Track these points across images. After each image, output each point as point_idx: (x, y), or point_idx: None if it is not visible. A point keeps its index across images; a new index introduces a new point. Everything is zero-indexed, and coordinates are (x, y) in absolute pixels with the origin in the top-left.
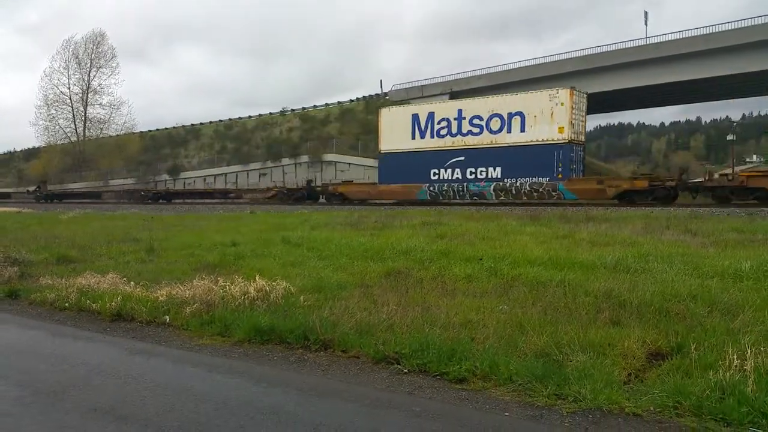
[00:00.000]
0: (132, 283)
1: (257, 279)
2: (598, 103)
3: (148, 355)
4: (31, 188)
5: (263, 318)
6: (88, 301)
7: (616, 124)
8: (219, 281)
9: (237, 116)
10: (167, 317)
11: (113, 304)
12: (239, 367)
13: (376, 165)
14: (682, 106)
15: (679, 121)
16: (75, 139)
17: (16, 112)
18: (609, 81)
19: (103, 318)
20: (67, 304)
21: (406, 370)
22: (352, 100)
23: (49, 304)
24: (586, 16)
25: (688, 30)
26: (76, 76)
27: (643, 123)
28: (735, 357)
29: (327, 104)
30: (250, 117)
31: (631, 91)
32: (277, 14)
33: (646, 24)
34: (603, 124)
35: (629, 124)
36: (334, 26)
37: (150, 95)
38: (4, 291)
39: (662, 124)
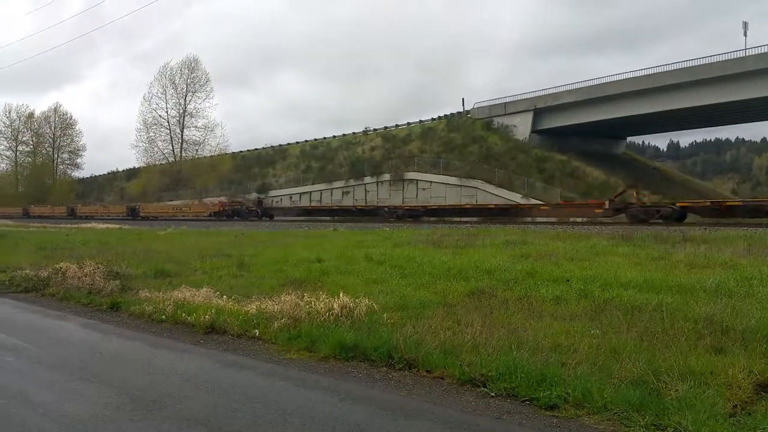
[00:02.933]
0: (224, 296)
1: (341, 295)
2: (692, 118)
3: (239, 367)
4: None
5: (348, 335)
6: (183, 314)
7: (712, 139)
8: (305, 297)
9: (322, 136)
10: (257, 331)
11: (207, 317)
12: (325, 382)
13: (458, 183)
14: None
15: None
16: (172, 159)
17: (123, 134)
18: (707, 95)
19: (197, 330)
20: (164, 317)
21: (493, 394)
22: (433, 119)
23: (148, 317)
24: (685, 30)
25: None
26: (173, 101)
27: (743, 139)
28: None
29: (409, 123)
30: (334, 137)
31: (729, 105)
32: (370, 36)
33: (745, 35)
34: (699, 140)
35: (727, 140)
36: (425, 46)
37: (248, 117)
38: (107, 303)
39: (764, 139)
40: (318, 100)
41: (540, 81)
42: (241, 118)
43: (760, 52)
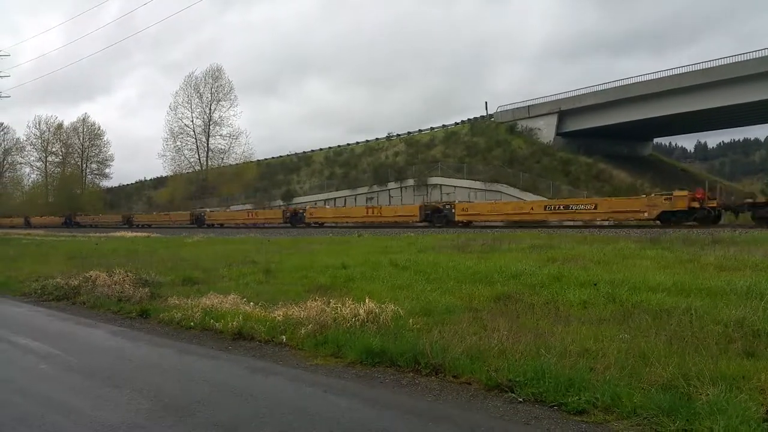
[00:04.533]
0: (251, 303)
1: (367, 301)
2: (720, 119)
3: (267, 373)
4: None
5: (374, 340)
6: (211, 320)
7: (741, 140)
8: (331, 303)
9: (346, 143)
10: (284, 337)
11: (234, 323)
12: (352, 388)
13: (483, 188)
14: None
15: None
16: (198, 168)
17: (153, 143)
18: (733, 94)
19: (225, 337)
20: (192, 324)
21: (521, 399)
22: (456, 123)
23: (176, 323)
24: (714, 30)
25: None
26: (198, 109)
27: None
28: None
29: (432, 128)
30: (358, 143)
31: (755, 105)
32: (397, 43)
33: None
34: (726, 140)
35: (756, 140)
36: (451, 51)
37: (274, 125)
38: (137, 310)
39: None
40: (344, 107)
41: (566, 84)
42: (267, 126)
43: None
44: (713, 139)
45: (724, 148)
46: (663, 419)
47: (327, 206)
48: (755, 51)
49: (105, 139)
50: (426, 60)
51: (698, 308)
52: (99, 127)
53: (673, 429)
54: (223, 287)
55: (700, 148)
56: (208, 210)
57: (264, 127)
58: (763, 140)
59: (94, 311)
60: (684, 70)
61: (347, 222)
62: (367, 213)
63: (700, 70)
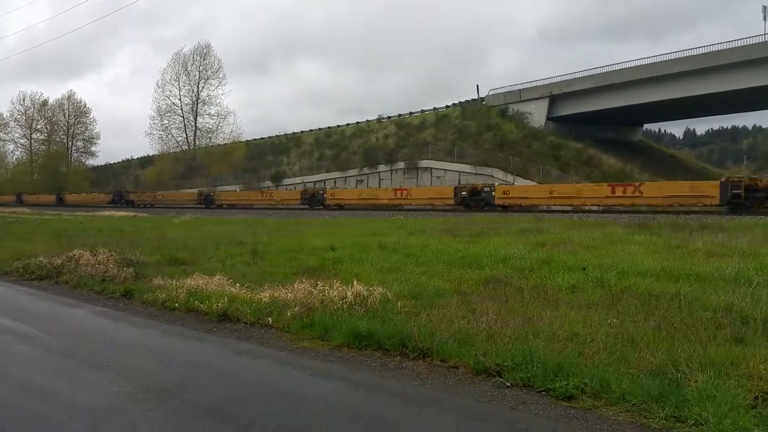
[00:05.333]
0: (237, 284)
1: (355, 284)
2: (709, 105)
3: (252, 356)
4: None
5: (361, 323)
6: (196, 301)
7: (729, 127)
8: (318, 285)
9: (336, 124)
10: (270, 319)
11: (220, 305)
12: (339, 371)
13: (473, 171)
14: None
15: None
16: (186, 147)
17: (142, 122)
18: (722, 81)
19: (210, 318)
20: (176, 305)
21: (508, 384)
22: (448, 106)
23: (161, 304)
24: (709, 17)
25: None
26: (186, 88)
27: (760, 126)
28: None
29: (423, 111)
30: (348, 125)
31: (745, 92)
32: (390, 23)
33: (765, 20)
34: (715, 127)
35: (744, 127)
36: (445, 33)
37: (266, 105)
38: (120, 291)
39: None
40: (337, 88)
41: (560, 69)
42: (259, 107)
43: None
44: (702, 126)
45: (712, 135)
46: (652, 406)
47: (345, 187)
48: (743, 39)
49: (91, 116)
50: (420, 43)
51: (687, 294)
52: (85, 105)
53: (662, 416)
54: (209, 268)
55: (689, 134)
56: (217, 189)
57: (255, 108)
58: (750, 128)
59: (77, 291)
60: (674, 56)
61: (372, 205)
62: (396, 195)
63: (689, 56)
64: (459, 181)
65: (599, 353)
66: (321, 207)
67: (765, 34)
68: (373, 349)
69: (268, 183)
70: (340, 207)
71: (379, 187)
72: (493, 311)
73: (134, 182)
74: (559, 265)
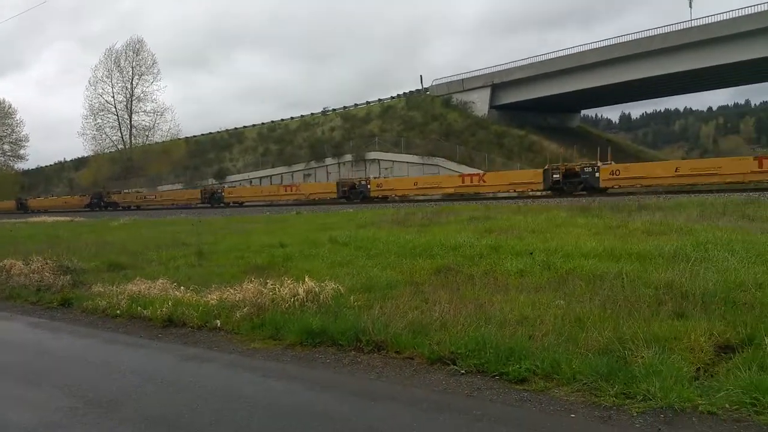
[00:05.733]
0: (182, 288)
1: (306, 280)
2: (643, 90)
3: (200, 361)
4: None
5: (314, 320)
6: (139, 307)
7: (662, 110)
8: (268, 284)
9: (280, 118)
10: (218, 321)
11: (164, 310)
12: (292, 371)
13: (420, 161)
14: (732, 89)
15: (728, 105)
16: (122, 146)
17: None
18: (655, 66)
19: (154, 324)
20: (118, 312)
21: (463, 371)
22: (393, 97)
23: (101, 312)
24: (639, 3)
25: (735, 10)
26: (119, 85)
27: (691, 108)
28: None
29: (368, 102)
30: (292, 118)
31: (676, 76)
32: (332, 17)
33: (690, 6)
34: (649, 110)
35: (676, 110)
36: (388, 25)
37: (206, 101)
38: (58, 300)
39: (710, 108)
40: (280, 82)
41: (502, 58)
42: (198, 102)
43: (703, 23)
44: (637, 110)
45: (646, 119)
46: (602, 384)
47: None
48: (670, 25)
49: (18, 118)
50: (363, 34)
51: (629, 272)
52: (10, 106)
53: (612, 393)
54: (151, 272)
55: (625, 119)
56: (226, 186)
57: (195, 104)
58: (682, 110)
59: (10, 303)
60: (606, 43)
61: (433, 195)
62: (464, 182)
63: (621, 43)
64: (407, 172)
65: (548, 335)
66: (358, 200)
67: (690, 20)
68: (327, 346)
69: (211, 180)
70: (384, 198)
71: (327, 180)
72: (445, 300)
73: (68, 185)
74: (507, 250)
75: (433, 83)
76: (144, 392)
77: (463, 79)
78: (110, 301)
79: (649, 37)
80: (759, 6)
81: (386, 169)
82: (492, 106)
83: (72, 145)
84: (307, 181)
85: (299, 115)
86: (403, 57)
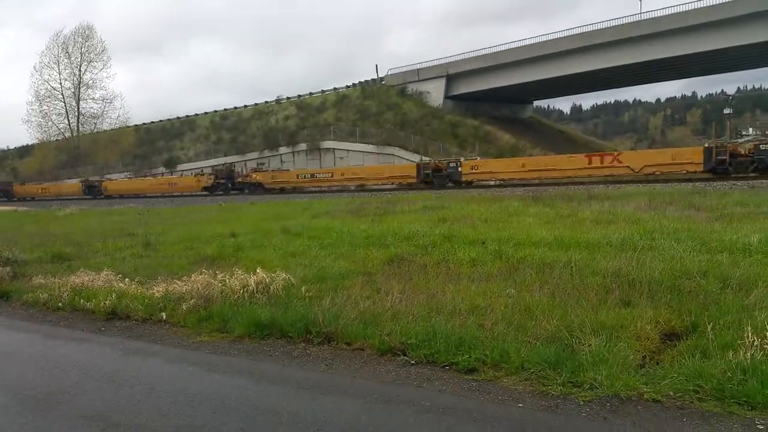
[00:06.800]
0: (127, 279)
1: (258, 271)
2: (594, 82)
3: (144, 355)
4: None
5: (263, 311)
6: (81, 300)
7: (612, 102)
8: (218, 275)
9: (233, 106)
10: (164, 314)
11: (107, 302)
12: (239, 364)
13: (376, 151)
14: (680, 82)
15: (675, 97)
16: (69, 134)
17: (12, 109)
18: (605, 58)
19: (97, 317)
20: (60, 304)
21: (413, 362)
22: (348, 86)
23: (42, 305)
24: None
25: (685, 3)
26: (67, 71)
27: (639, 100)
28: (753, 335)
29: (323, 91)
30: (246, 106)
31: (626, 68)
32: (293, 7)
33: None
34: (599, 102)
35: (625, 102)
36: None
37: (161, 89)
38: None
39: (658, 100)
40: (236, 71)
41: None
42: (153, 89)
43: (653, 16)
44: (587, 101)
45: (597, 110)
46: (549, 373)
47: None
48: (618, 18)
49: None
50: (321, 23)
51: (578, 261)
52: None
53: (560, 382)
54: (96, 263)
55: (575, 110)
56: (105, 178)
57: (149, 91)
58: (632, 102)
59: None
60: (556, 36)
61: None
62: (591, 163)
63: (571, 35)
64: (363, 161)
65: (498, 324)
66: (451, 185)
67: (641, 13)
68: (276, 338)
69: (162, 169)
70: (470, 184)
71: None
72: (397, 290)
73: (12, 174)
74: (460, 239)
75: (389, 73)
76: (83, 388)
77: (418, 69)
78: (52, 293)
79: (600, 29)
80: (708, 1)
81: (341, 158)
82: (447, 96)
83: (15, 133)
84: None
85: (253, 103)
86: (361, 47)
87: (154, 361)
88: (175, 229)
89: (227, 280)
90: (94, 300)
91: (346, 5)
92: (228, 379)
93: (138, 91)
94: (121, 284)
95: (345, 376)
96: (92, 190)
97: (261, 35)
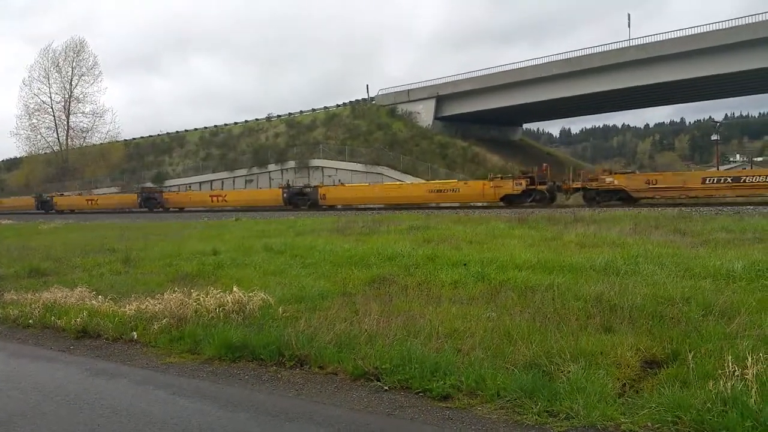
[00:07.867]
0: (101, 297)
1: (234, 290)
2: (583, 106)
3: (110, 376)
4: None
5: (236, 333)
6: (53, 317)
7: (601, 126)
8: (193, 293)
9: (223, 123)
10: (135, 333)
11: (78, 320)
12: (206, 388)
13: (364, 170)
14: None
15: (664, 123)
16: (57, 148)
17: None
18: (594, 83)
19: (67, 335)
20: (31, 321)
21: (386, 388)
22: (338, 105)
23: (12, 321)
24: (590, 22)
25: (674, 31)
26: (57, 85)
27: (629, 125)
28: (734, 364)
29: (313, 109)
30: (236, 123)
31: (614, 93)
32: (289, 24)
33: (629, 26)
34: (588, 126)
35: (614, 126)
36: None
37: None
38: None
39: (647, 125)
40: (232, 87)
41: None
42: (148, 104)
43: (641, 43)
44: (577, 125)
45: (586, 134)
46: (525, 401)
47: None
48: (610, 43)
49: None
50: (316, 43)
51: (560, 285)
52: None
53: (535, 411)
54: (72, 279)
55: (565, 133)
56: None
57: (143, 106)
58: (621, 126)
59: None
60: (546, 60)
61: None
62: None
63: (562, 60)
64: (351, 180)
65: (476, 349)
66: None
67: (629, 40)
68: (248, 360)
69: (149, 184)
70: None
71: (270, 188)
72: (376, 311)
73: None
74: (444, 261)
75: (379, 93)
76: (41, 411)
77: (408, 90)
78: (23, 309)
79: (589, 55)
80: (696, 29)
81: (329, 176)
82: (436, 117)
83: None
84: (248, 188)
85: (243, 120)
86: (354, 67)
87: (120, 382)
88: (158, 246)
89: (202, 299)
90: (65, 317)
91: (340, 27)
92: (193, 404)
93: (130, 105)
94: (94, 301)
95: (315, 403)
96: (149, 203)
97: (257, 53)
